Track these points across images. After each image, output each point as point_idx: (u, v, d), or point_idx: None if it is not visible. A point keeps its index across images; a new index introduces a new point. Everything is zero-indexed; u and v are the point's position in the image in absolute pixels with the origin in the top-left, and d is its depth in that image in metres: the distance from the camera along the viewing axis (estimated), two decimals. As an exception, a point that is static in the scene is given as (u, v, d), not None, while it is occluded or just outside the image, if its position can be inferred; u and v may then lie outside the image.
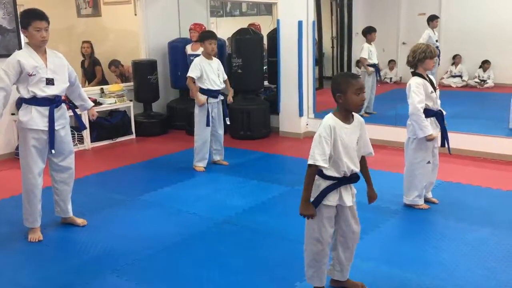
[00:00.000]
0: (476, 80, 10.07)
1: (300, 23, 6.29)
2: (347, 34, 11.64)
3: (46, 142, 3.41)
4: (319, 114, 6.82)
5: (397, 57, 11.32)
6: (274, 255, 3.23)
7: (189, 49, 6.82)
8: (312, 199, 2.50)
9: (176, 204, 4.20)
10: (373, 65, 7.27)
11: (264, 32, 7.62)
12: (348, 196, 2.54)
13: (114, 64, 7.70)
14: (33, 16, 3.28)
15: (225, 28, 9.51)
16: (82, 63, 7.58)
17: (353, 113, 2.53)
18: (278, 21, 6.57)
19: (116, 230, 3.68)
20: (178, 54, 7.03)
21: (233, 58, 6.64)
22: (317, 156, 2.39)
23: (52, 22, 3.38)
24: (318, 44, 10.06)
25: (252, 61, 6.59)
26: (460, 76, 10.11)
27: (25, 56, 3.32)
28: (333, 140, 2.42)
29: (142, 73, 6.84)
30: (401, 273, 2.95)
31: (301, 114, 6.62)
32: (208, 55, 5.04)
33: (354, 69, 11.75)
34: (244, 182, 4.77)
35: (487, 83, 9.90)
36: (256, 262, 3.15)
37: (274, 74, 6.92)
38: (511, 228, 3.52)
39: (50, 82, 3.36)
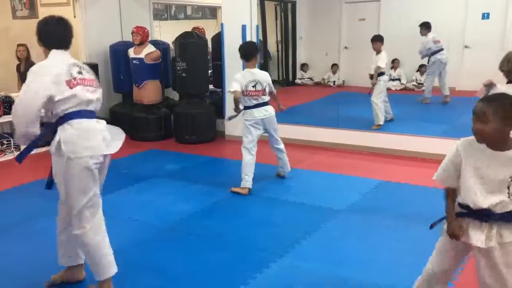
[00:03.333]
0: (414, 83, 10.51)
1: (244, 27, 6.32)
2: (292, 38, 11.86)
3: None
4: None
5: (339, 61, 11.62)
6: (218, 260, 3.21)
7: (131, 53, 6.69)
8: None
9: (118, 211, 4.09)
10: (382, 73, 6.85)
11: (209, 36, 7.61)
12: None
13: (53, 67, 7.43)
14: None
15: (170, 32, 9.43)
16: (18, 67, 7.24)
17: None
18: (222, 25, 6.57)
19: (53, 240, 3.54)
20: (120, 58, 6.88)
21: (177, 61, 6.58)
22: None
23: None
24: (263, 48, 10.16)
25: (197, 64, 6.55)
26: (399, 80, 10.52)
27: None
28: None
29: (83, 77, 6.61)
30: (343, 272, 3.02)
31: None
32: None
33: (299, 73, 12.00)
34: (189, 187, 4.72)
35: (424, 86, 10.34)
36: (200, 268, 3.12)
37: (219, 78, 6.91)
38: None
39: None
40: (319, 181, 4.85)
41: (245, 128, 4.62)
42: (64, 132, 2.55)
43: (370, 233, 3.61)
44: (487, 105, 2.00)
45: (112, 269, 2.72)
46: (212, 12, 11.26)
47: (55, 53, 2.66)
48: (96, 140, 2.62)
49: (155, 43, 6.94)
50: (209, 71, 7.36)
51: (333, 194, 4.41)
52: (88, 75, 2.69)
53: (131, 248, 3.40)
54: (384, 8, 10.66)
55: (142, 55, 6.56)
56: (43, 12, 7.78)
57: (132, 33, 6.68)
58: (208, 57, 7.30)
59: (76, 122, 2.57)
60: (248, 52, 4.65)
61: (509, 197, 2.03)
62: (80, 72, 2.63)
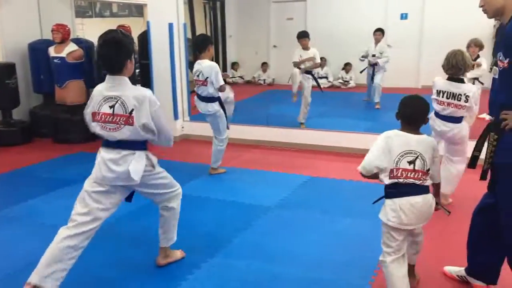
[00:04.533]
0: (340, 81, 10.86)
1: (170, 26, 6.22)
2: (221, 37, 11.85)
3: None
4: (194, 117, 6.81)
5: (269, 59, 11.77)
6: (148, 263, 3.13)
7: (52, 51, 6.39)
8: None
9: (40, 217, 3.90)
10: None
11: (136, 34, 7.41)
12: None
13: (-35, 67, 6.92)
14: None
15: (94, 30, 9.08)
16: None
17: None
18: (148, 23, 6.43)
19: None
20: (40, 57, 6.55)
21: (101, 60, 6.35)
22: None
23: None
24: (193, 46, 10.06)
25: (123, 63, 6.36)
26: (326, 77, 10.83)
27: None
28: None
29: (-1, 77, 6.23)
30: (273, 268, 3.05)
31: (176, 117, 6.56)
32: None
33: (230, 71, 12.01)
34: (117, 189, 4.57)
35: (349, 83, 10.73)
36: (129, 272, 3.04)
37: (146, 77, 6.76)
38: (367, 217, 3.81)
39: None
40: (249, 178, 4.88)
41: None
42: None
43: (299, 228, 3.68)
44: None
45: None
46: (139, 9, 11.02)
47: (106, 78, 2.67)
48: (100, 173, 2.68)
49: (78, 42, 6.67)
50: (136, 71, 7.18)
51: (263, 191, 4.45)
52: (120, 110, 2.60)
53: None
54: (311, 7, 10.93)
55: (63, 54, 6.29)
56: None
57: (52, 31, 6.38)
58: (135, 56, 7.11)
59: (100, 149, 2.72)
60: (200, 44, 4.68)
61: None
62: (112, 106, 2.59)
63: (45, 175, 5.05)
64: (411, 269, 2.77)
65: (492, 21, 9.30)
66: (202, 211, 4.07)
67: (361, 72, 8.62)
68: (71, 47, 6.37)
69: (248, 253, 3.26)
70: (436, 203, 2.57)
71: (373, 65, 8.07)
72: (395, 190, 2.46)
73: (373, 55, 8.08)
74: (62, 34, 6.32)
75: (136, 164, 2.68)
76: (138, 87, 2.71)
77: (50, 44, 6.47)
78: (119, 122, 2.60)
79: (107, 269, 3.08)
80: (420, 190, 2.46)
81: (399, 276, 2.50)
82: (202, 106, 4.70)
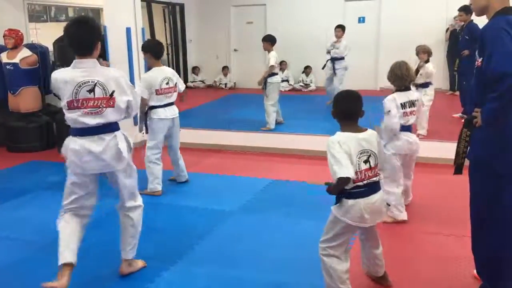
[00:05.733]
0: (301, 84, 10.97)
1: (128, 30, 6.12)
2: (182, 41, 11.77)
3: None
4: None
5: (230, 63, 11.77)
6: (107, 272, 3.07)
7: (4, 57, 6.17)
8: None
9: (-7, 230, 3.76)
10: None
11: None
12: None
13: None
14: None
15: (49, 34, 8.84)
16: None
17: None
18: (105, 27, 6.30)
19: None
20: (-9, 63, 6.31)
21: (56, 66, 6.19)
22: None
23: None
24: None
25: (79, 69, 6.20)
26: (287, 81, 10.92)
27: None
28: None
29: None
30: (236, 273, 3.04)
31: (135, 123, 6.44)
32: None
33: (191, 76, 11.93)
34: (75, 198, 4.45)
35: (310, 86, 10.85)
36: (86, 282, 2.96)
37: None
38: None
39: None
40: (212, 183, 4.85)
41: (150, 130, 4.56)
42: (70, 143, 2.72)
43: (262, 231, 3.68)
44: None
45: None
46: (96, 14, 10.79)
47: (73, 64, 2.65)
48: (82, 162, 2.72)
49: (32, 47, 6.47)
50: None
51: (225, 196, 4.43)
52: (100, 92, 2.62)
53: (8, 269, 3.14)
54: (270, 11, 11.01)
55: (16, 60, 6.09)
56: None
57: (4, 36, 6.16)
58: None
59: (75, 139, 2.69)
60: (158, 50, 4.60)
61: None
62: (91, 91, 2.60)
63: (-2, 185, 4.87)
64: (384, 276, 2.87)
65: (445, 25, 9.63)
66: (163, 218, 4.02)
67: (322, 68, 8.65)
68: (25, 52, 6.17)
69: (210, 259, 3.23)
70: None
71: (333, 60, 8.22)
72: (357, 191, 2.49)
73: (335, 48, 8.29)
74: (15, 39, 6.12)
75: (122, 143, 2.75)
76: (110, 68, 2.79)
77: (2, 50, 6.25)
78: (100, 106, 2.62)
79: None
80: (377, 187, 2.55)
81: (337, 269, 2.58)
82: (173, 111, 4.61)
